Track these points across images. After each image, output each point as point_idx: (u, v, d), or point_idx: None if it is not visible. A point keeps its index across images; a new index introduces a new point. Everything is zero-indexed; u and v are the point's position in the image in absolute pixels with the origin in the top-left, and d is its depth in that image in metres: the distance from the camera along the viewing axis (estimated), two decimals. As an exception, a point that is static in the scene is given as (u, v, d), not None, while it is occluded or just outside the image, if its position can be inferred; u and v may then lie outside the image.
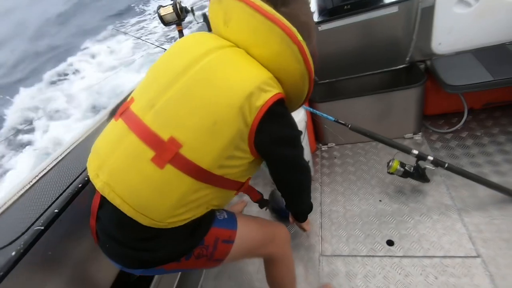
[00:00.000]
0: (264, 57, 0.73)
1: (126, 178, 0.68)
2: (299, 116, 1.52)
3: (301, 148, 0.87)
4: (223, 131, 0.68)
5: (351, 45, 1.80)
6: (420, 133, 1.85)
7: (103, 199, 0.72)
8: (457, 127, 1.74)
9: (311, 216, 1.57)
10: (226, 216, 0.85)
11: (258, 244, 0.94)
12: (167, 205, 0.68)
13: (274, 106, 0.70)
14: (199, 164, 0.68)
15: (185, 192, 0.69)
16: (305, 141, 1.64)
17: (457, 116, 1.85)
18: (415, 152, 1.35)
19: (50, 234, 0.79)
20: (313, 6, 2.11)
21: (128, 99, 0.77)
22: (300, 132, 0.88)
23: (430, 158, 1.34)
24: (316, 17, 1.83)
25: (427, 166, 1.38)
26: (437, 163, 1.34)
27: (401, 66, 1.84)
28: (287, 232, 1.05)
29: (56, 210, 0.82)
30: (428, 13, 1.62)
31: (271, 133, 0.74)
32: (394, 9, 1.61)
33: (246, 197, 1.72)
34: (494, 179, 1.42)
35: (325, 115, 1.51)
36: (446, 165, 1.32)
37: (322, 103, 1.85)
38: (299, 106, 0.91)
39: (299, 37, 0.69)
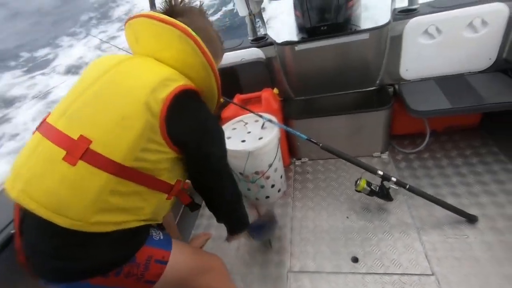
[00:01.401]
0: (171, 58, 0.84)
1: (42, 182, 0.69)
2: (273, 133, 1.56)
3: (221, 147, 0.91)
4: (132, 124, 0.72)
5: (326, 65, 1.88)
6: (387, 152, 1.95)
7: (24, 213, 0.72)
8: (419, 148, 1.86)
9: (282, 232, 1.62)
10: (161, 237, 0.86)
11: (193, 272, 0.91)
12: (84, 202, 0.68)
13: (180, 96, 0.78)
14: (111, 157, 0.70)
15: (102, 187, 0.69)
16: (278, 156, 1.68)
17: (421, 137, 1.97)
18: (380, 173, 1.43)
19: None
20: (293, 26, 2.19)
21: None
22: (220, 128, 0.92)
23: (394, 179, 1.42)
24: (295, 37, 1.89)
25: (391, 186, 1.46)
26: (399, 184, 1.42)
27: (372, 88, 1.94)
28: (224, 264, 1.03)
29: None
30: (397, 41, 1.73)
31: (181, 122, 0.79)
32: (366, 36, 1.70)
33: (213, 230, 1.74)
34: (450, 200, 1.52)
35: (298, 133, 1.56)
36: (408, 186, 1.40)
37: (297, 120, 1.90)
38: (218, 101, 0.99)
39: (193, 33, 0.81)
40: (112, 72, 0.79)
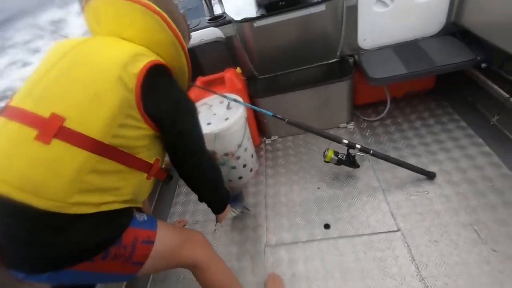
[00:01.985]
0: (135, 37, 0.81)
1: (12, 164, 0.64)
2: (238, 113, 1.54)
3: (195, 124, 0.92)
4: (106, 100, 0.70)
5: (287, 40, 1.87)
6: (352, 122, 2.01)
7: None
8: (382, 115, 1.93)
9: (256, 210, 1.64)
10: (145, 218, 0.85)
11: (177, 245, 0.91)
12: (62, 181, 0.65)
13: (152, 71, 0.77)
14: (88, 134, 0.67)
15: (81, 166, 0.67)
16: (246, 135, 1.67)
17: (383, 105, 2.04)
18: (345, 141, 1.47)
19: None
20: (251, 2, 2.11)
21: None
22: (193, 105, 0.92)
23: (358, 146, 1.47)
24: (254, 14, 1.85)
25: (357, 153, 1.51)
26: (364, 150, 1.47)
27: (333, 60, 1.97)
28: (202, 235, 1.04)
29: None
30: (353, 11, 1.75)
31: (154, 98, 0.78)
32: (322, 7, 1.70)
33: (188, 216, 1.74)
34: (412, 160, 1.61)
35: (263, 110, 1.55)
36: (371, 151, 1.46)
37: (263, 98, 1.90)
38: (189, 79, 0.98)
39: (158, 8, 0.79)
40: (75, 51, 0.76)
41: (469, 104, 1.80)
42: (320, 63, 1.98)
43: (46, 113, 0.66)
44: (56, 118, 0.66)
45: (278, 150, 2.01)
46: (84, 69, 0.72)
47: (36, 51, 7.94)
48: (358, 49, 1.90)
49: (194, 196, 1.84)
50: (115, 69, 0.71)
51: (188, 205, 1.81)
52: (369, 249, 1.30)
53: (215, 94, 1.61)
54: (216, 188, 1.07)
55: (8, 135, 0.67)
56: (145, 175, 0.84)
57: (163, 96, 0.81)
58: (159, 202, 1.86)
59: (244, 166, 1.75)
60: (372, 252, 1.29)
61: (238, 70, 1.83)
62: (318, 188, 1.65)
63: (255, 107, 1.57)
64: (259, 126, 2.08)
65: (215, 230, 1.60)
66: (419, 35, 1.80)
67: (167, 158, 0.96)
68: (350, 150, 1.52)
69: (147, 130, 0.79)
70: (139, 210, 0.96)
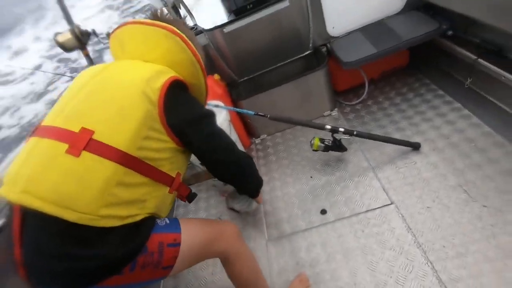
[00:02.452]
0: (158, 58, 0.89)
1: (45, 178, 0.66)
2: (221, 117, 1.58)
3: (218, 128, 0.96)
4: (132, 113, 0.75)
5: (259, 41, 1.92)
6: (336, 109, 2.05)
7: (24, 217, 0.67)
8: (362, 97, 1.97)
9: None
10: (168, 222, 0.85)
11: (206, 242, 0.91)
12: (92, 193, 0.67)
13: (174, 85, 0.83)
14: (116, 145, 0.71)
15: (109, 177, 0.69)
16: (232, 137, 1.71)
17: (362, 87, 2.09)
18: (328, 127, 1.51)
19: None
20: (222, 10, 2.17)
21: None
22: (211, 113, 0.96)
23: (341, 129, 1.51)
24: (226, 20, 1.91)
25: (342, 137, 1.55)
26: (347, 132, 1.51)
27: (307, 53, 2.02)
28: (234, 226, 1.04)
29: None
30: (316, 1, 1.80)
31: (177, 112, 0.83)
32: (286, 3, 1.76)
33: (191, 215, 1.78)
34: (396, 135, 1.65)
35: (244, 110, 1.59)
36: (355, 132, 1.50)
37: (246, 100, 1.94)
38: (206, 96, 1.05)
39: (178, 31, 0.88)
40: (102, 74, 0.82)
41: (443, 72, 1.85)
42: (295, 57, 2.03)
43: (76, 128, 0.70)
44: (85, 132, 0.69)
45: (268, 148, 2.04)
46: (111, 87, 0.78)
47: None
48: (329, 38, 1.95)
49: (193, 204, 1.88)
50: (139, 84, 0.77)
51: (189, 205, 1.84)
52: (366, 226, 1.33)
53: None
54: (257, 178, 1.16)
55: (40, 151, 0.70)
56: (168, 188, 0.86)
57: (184, 108, 0.86)
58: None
59: (236, 167, 1.78)
60: (369, 228, 1.31)
61: (216, 76, 1.88)
62: (311, 177, 1.68)
63: (236, 109, 1.61)
64: (247, 128, 2.12)
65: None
66: (385, 14, 1.86)
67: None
68: (335, 135, 1.56)
69: (169, 143, 0.83)
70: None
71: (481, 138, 1.42)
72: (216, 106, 1.62)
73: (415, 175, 1.43)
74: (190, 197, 1.00)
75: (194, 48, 0.90)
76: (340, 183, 1.58)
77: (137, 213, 0.76)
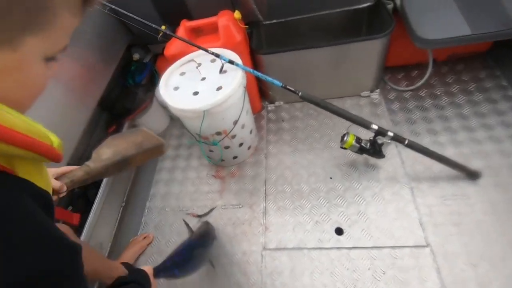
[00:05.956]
0: None
1: None
2: (236, 81, 1.13)
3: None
4: None
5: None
6: (377, 91, 1.61)
7: None
8: (417, 85, 1.52)
9: (252, 200, 1.36)
10: None
11: None
12: None
13: None
14: None
15: None
16: (245, 109, 1.28)
17: (418, 68, 1.62)
18: (375, 127, 1.13)
19: None
20: None
21: None
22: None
23: (390, 134, 1.13)
24: None
25: (384, 140, 1.17)
26: (397, 139, 1.14)
27: (365, 5, 1.46)
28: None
29: None
30: None
31: None
32: None
33: (173, 201, 1.47)
34: (450, 149, 1.30)
35: (270, 79, 1.14)
36: (407, 142, 1.13)
37: (268, 55, 1.44)
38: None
39: None
40: None
41: None
42: (347, 8, 1.48)
43: None
44: None
45: (283, 121, 1.64)
46: None
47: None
48: None
49: (180, 174, 1.55)
50: None
51: (171, 184, 1.52)
52: (389, 267, 1.07)
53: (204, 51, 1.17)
54: None
55: None
56: None
57: None
58: (136, 181, 1.57)
59: (241, 145, 1.41)
60: (393, 271, 1.06)
61: (237, 14, 1.32)
62: (331, 178, 1.35)
63: (260, 74, 1.16)
64: (261, 88, 1.66)
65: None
66: None
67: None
68: (378, 137, 1.18)
69: None
70: None
71: None
72: (232, 62, 1.15)
73: (466, 214, 1.13)
74: None
75: None
76: (366, 196, 1.26)
77: None
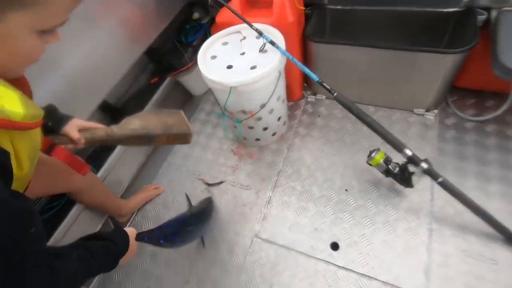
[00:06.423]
0: None
1: None
2: (272, 64, 1.07)
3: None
4: None
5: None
6: (435, 111, 1.40)
7: None
8: (487, 117, 1.28)
9: (261, 186, 1.34)
10: None
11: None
12: None
13: None
14: None
15: None
16: (276, 94, 1.23)
17: (495, 98, 1.36)
18: (408, 153, 0.99)
19: None
20: None
21: None
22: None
23: (424, 165, 0.99)
24: None
25: (416, 170, 1.04)
26: (430, 173, 0.99)
27: (451, 9, 1.23)
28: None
29: None
30: None
31: None
32: None
33: (183, 173, 1.50)
34: (496, 203, 1.10)
35: (308, 70, 1.07)
36: (441, 179, 0.98)
37: (320, 44, 1.33)
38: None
39: None
40: None
41: None
42: (431, 9, 1.26)
43: None
44: None
45: (319, 116, 1.54)
46: None
47: None
48: (504, 1, 1.12)
49: (204, 140, 1.59)
50: None
51: (194, 147, 1.57)
52: (375, 301, 0.99)
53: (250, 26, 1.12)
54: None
55: None
56: None
57: None
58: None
59: (265, 129, 1.37)
60: (377, 307, 0.98)
61: (297, -8, 1.22)
62: (346, 190, 1.26)
63: (299, 63, 1.08)
64: (305, 76, 1.56)
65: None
66: None
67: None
68: (410, 165, 1.05)
69: None
70: None
71: None
72: (273, 44, 1.09)
73: (485, 280, 0.97)
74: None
75: None
76: (377, 222, 1.16)
77: None
